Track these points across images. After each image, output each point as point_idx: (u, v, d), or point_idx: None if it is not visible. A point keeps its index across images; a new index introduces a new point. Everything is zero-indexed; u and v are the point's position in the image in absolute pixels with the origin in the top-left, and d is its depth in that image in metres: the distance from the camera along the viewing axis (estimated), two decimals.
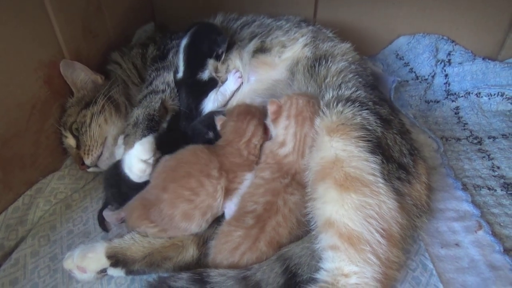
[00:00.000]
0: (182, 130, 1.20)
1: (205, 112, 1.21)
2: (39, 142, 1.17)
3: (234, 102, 1.25)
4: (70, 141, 1.19)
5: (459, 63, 1.59)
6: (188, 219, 0.93)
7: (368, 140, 0.88)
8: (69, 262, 0.92)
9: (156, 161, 1.05)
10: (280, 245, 0.89)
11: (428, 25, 1.64)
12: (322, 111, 0.97)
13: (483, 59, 1.57)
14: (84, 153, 1.16)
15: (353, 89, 1.03)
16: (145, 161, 1.02)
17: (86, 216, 1.16)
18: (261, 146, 1.05)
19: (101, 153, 1.18)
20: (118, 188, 1.05)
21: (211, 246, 0.92)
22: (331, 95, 1.01)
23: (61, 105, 1.23)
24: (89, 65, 1.31)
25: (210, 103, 1.21)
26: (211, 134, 1.14)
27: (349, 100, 0.97)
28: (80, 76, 1.24)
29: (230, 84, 1.23)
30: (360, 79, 1.13)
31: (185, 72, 1.21)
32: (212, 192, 0.94)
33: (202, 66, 1.21)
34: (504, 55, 1.60)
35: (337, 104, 0.95)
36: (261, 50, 1.24)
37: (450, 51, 1.62)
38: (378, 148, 0.89)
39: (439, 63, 1.62)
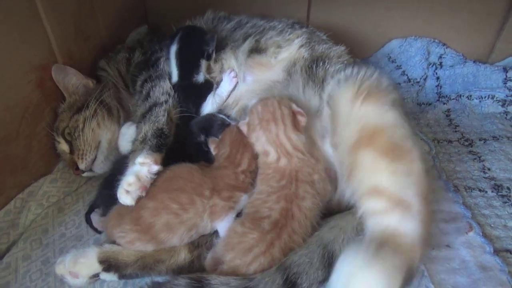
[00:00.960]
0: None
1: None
2: (31, 146, 1.16)
3: (231, 101, 1.25)
4: (63, 146, 1.19)
5: (450, 66, 1.61)
6: (170, 230, 0.91)
7: (396, 103, 0.90)
8: (61, 267, 0.91)
9: None
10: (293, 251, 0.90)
11: (419, 28, 1.65)
12: (338, 83, 0.97)
13: (474, 62, 1.59)
14: (78, 158, 1.15)
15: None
16: (137, 175, 0.94)
17: (79, 220, 1.16)
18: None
19: (95, 157, 1.17)
20: (110, 189, 1.04)
21: (218, 244, 0.92)
22: (342, 73, 1.02)
23: (53, 109, 1.23)
24: (81, 67, 1.31)
25: (209, 106, 1.21)
26: (202, 138, 1.13)
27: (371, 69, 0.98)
28: (71, 80, 1.23)
29: (225, 85, 1.23)
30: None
31: (180, 76, 1.20)
32: (201, 211, 0.94)
33: (196, 68, 1.21)
34: (494, 58, 1.62)
35: (358, 73, 0.96)
36: (257, 50, 1.24)
37: (442, 54, 1.64)
38: (402, 109, 0.91)
39: (430, 66, 1.64)
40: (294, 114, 0.99)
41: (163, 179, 0.96)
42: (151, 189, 0.94)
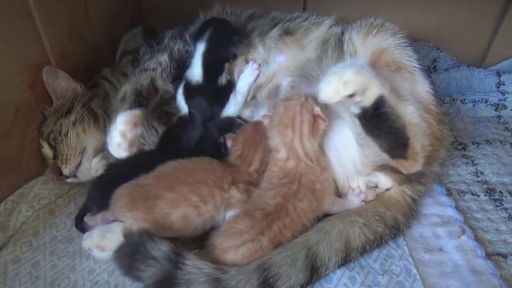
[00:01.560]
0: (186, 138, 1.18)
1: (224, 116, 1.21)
2: (23, 146, 1.15)
3: (263, 80, 1.24)
4: (47, 151, 1.17)
5: (444, 70, 1.62)
6: (187, 222, 0.93)
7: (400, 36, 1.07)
8: (89, 241, 0.93)
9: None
10: (280, 245, 0.91)
11: (414, 32, 1.65)
12: (352, 26, 1.15)
13: (468, 66, 1.60)
14: (62, 163, 1.13)
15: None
16: (122, 133, 1.01)
17: (70, 222, 1.14)
18: None
19: (80, 162, 1.16)
20: (102, 190, 1.03)
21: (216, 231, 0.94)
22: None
23: (46, 107, 1.22)
24: (75, 68, 1.31)
25: (232, 108, 1.21)
26: (222, 140, 1.13)
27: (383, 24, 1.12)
28: (61, 84, 1.22)
29: (246, 78, 1.21)
30: None
31: (205, 79, 1.17)
32: (219, 204, 0.96)
33: (221, 71, 1.19)
34: (488, 62, 1.63)
35: (370, 22, 1.12)
36: (287, 33, 1.25)
37: (436, 58, 1.65)
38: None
39: (425, 69, 1.64)
40: (314, 118, 0.99)
41: (184, 170, 0.97)
42: (171, 179, 0.95)
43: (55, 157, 1.16)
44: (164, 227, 0.91)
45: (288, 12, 1.34)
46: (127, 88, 1.11)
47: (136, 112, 1.05)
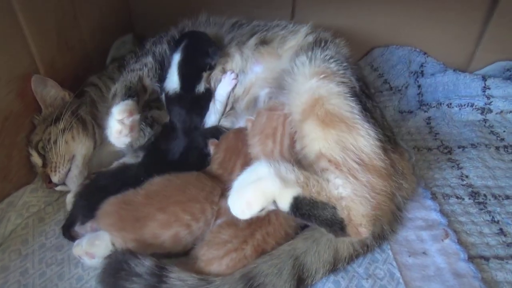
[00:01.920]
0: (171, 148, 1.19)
1: (208, 125, 1.22)
2: (12, 156, 1.16)
3: (241, 91, 1.26)
4: (36, 159, 1.18)
5: (431, 75, 1.64)
6: (178, 241, 0.93)
7: (348, 86, 0.97)
8: (78, 249, 0.95)
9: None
10: (265, 253, 0.91)
11: (401, 37, 1.68)
12: (310, 59, 1.04)
13: (454, 70, 1.62)
14: (51, 171, 1.14)
15: (345, 62, 1.09)
16: (120, 121, 1.05)
17: (59, 229, 1.13)
18: None
19: (69, 169, 1.16)
20: (88, 201, 1.04)
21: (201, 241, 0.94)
22: (320, 51, 1.08)
23: (34, 116, 1.22)
24: (64, 77, 1.31)
25: (212, 116, 1.22)
26: (208, 150, 1.15)
27: (336, 58, 1.04)
28: (50, 92, 1.23)
29: (223, 86, 1.24)
30: (356, 71, 1.17)
31: (182, 88, 1.20)
32: (210, 218, 0.96)
33: (198, 79, 1.21)
34: (474, 67, 1.66)
35: (323, 56, 1.03)
36: (263, 42, 1.28)
37: (423, 63, 1.67)
38: (358, 97, 0.96)
39: (412, 74, 1.67)
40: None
41: (174, 187, 0.97)
42: (161, 198, 0.94)
43: (44, 165, 1.17)
44: (153, 247, 0.92)
45: (271, 20, 1.36)
46: (116, 86, 1.17)
47: (129, 101, 1.10)
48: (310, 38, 1.25)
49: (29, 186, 1.21)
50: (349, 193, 0.86)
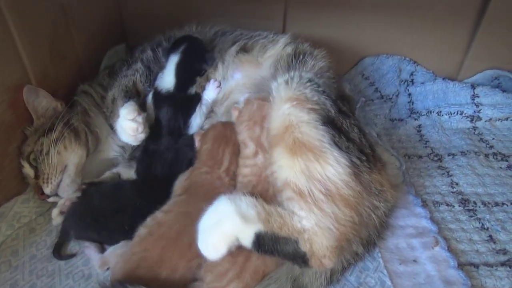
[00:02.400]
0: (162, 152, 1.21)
1: (193, 127, 1.25)
2: (3, 166, 1.16)
3: (220, 96, 1.30)
4: (28, 170, 1.17)
5: (421, 83, 1.66)
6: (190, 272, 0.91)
7: (320, 114, 0.94)
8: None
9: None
10: (266, 275, 0.90)
11: (391, 46, 1.71)
12: (286, 82, 1.01)
13: (444, 79, 1.64)
14: (43, 182, 1.13)
15: (322, 80, 1.10)
16: (133, 120, 1.13)
17: (51, 240, 1.14)
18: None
19: (61, 180, 1.16)
20: (80, 221, 1.03)
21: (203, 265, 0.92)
22: (298, 73, 1.06)
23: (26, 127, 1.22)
24: (57, 88, 1.32)
25: (198, 119, 1.26)
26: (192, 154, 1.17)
27: (312, 81, 1.02)
28: (42, 102, 1.23)
29: (209, 94, 1.28)
30: (334, 85, 1.20)
31: (177, 88, 1.24)
32: None
33: (192, 83, 1.27)
34: (463, 75, 1.68)
35: (300, 80, 1.01)
36: (244, 50, 1.31)
37: (413, 72, 1.69)
38: (332, 124, 0.95)
39: (402, 82, 1.68)
40: None
41: (170, 241, 0.91)
42: (168, 262, 0.89)
43: (36, 176, 1.16)
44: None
45: (254, 30, 1.40)
46: (113, 92, 1.25)
47: (132, 102, 1.18)
48: (289, 49, 1.28)
49: (20, 196, 1.21)
50: (313, 225, 0.85)
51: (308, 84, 1.00)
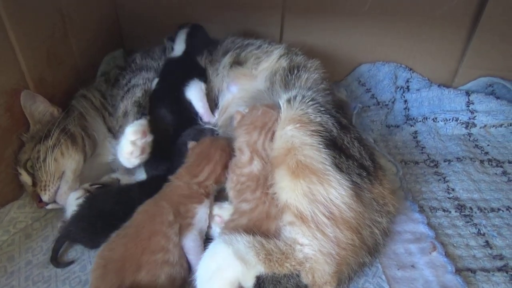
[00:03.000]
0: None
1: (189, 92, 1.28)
2: None
3: (219, 109, 1.31)
4: (25, 178, 1.16)
5: (417, 90, 1.68)
6: (173, 281, 0.89)
7: (323, 136, 0.94)
8: None
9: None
10: None
11: (387, 53, 1.73)
12: (289, 102, 1.02)
13: (439, 86, 1.66)
14: (41, 190, 1.12)
15: (321, 95, 1.11)
16: (133, 142, 1.06)
17: (47, 246, 1.13)
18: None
19: (59, 187, 1.14)
20: (104, 221, 1.01)
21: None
22: (298, 91, 1.07)
23: (22, 133, 1.21)
24: (54, 92, 1.32)
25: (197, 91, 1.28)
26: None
27: (315, 100, 1.03)
28: (39, 108, 1.22)
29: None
30: (329, 96, 1.21)
31: (186, 53, 1.36)
32: (176, 238, 0.92)
33: (200, 53, 1.37)
34: (458, 82, 1.71)
35: (302, 99, 1.02)
36: (238, 63, 1.31)
37: (408, 78, 1.71)
38: (333, 144, 0.95)
39: (398, 89, 1.70)
40: None
41: (132, 240, 0.91)
42: (130, 261, 0.88)
43: (34, 184, 1.14)
44: None
45: (245, 38, 1.41)
46: (125, 104, 1.19)
47: (143, 121, 1.12)
48: (284, 63, 1.29)
49: (16, 201, 1.19)
50: (315, 252, 0.84)
51: (311, 103, 1.01)
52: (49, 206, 1.16)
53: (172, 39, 1.43)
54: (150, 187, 1.08)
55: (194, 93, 1.26)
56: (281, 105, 1.04)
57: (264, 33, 1.71)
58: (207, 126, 1.28)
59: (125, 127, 1.10)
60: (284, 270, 0.84)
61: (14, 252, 1.11)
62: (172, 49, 1.41)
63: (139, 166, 1.14)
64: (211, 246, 0.85)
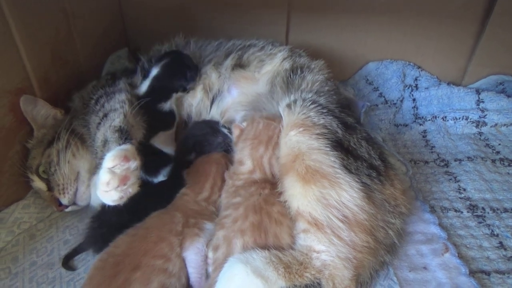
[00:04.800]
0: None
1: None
2: (3, 171, 1.13)
3: (216, 115, 1.28)
4: (39, 184, 1.14)
5: (425, 88, 1.65)
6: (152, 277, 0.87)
7: (328, 138, 0.93)
8: None
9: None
10: None
11: (394, 51, 1.70)
12: (290, 107, 1.00)
13: (448, 84, 1.64)
14: (60, 193, 1.10)
15: (323, 97, 1.08)
16: (110, 170, 0.84)
17: (51, 247, 1.12)
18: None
19: (77, 189, 1.13)
20: (99, 236, 0.99)
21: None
22: (298, 95, 1.05)
23: (27, 132, 1.20)
24: (58, 92, 1.31)
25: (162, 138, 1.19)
26: (193, 156, 1.16)
27: (316, 103, 1.01)
28: (40, 112, 1.19)
29: None
30: (334, 96, 1.18)
31: (145, 94, 1.21)
32: (179, 251, 0.91)
33: (165, 99, 1.22)
34: (467, 81, 1.68)
35: (303, 103, 1.00)
36: (240, 65, 1.28)
37: (417, 77, 1.69)
38: (340, 146, 0.94)
39: (406, 88, 1.68)
40: None
41: (138, 240, 0.91)
42: (130, 258, 0.87)
43: (49, 189, 1.12)
44: None
45: (248, 39, 1.39)
46: (103, 132, 1.00)
47: (125, 146, 0.91)
48: (287, 65, 1.26)
49: (21, 202, 1.18)
50: (334, 258, 0.83)
51: (312, 106, 0.99)
52: (69, 209, 1.15)
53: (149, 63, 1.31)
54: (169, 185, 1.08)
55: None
56: (281, 111, 1.02)
57: (271, 32, 1.69)
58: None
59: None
60: (304, 280, 0.82)
61: (18, 253, 1.10)
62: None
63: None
64: (227, 267, 0.81)
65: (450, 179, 1.31)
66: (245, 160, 1.02)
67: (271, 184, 0.97)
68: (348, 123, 1.02)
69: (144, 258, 0.87)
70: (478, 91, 1.56)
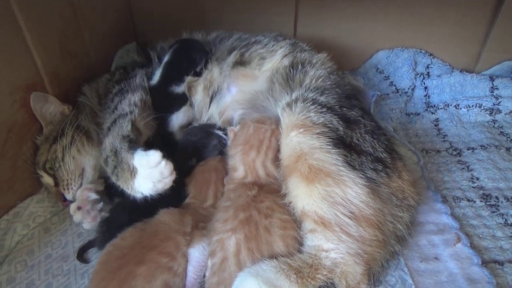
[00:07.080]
0: None
1: (172, 125, 1.24)
2: (16, 166, 1.15)
3: (215, 113, 1.29)
4: (47, 179, 1.16)
5: (437, 76, 1.62)
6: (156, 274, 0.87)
7: (329, 136, 0.92)
8: None
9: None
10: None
11: (405, 39, 1.67)
12: (290, 107, 1.00)
13: (461, 71, 1.60)
14: (64, 189, 1.12)
15: (324, 94, 1.07)
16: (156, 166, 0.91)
17: (65, 240, 1.14)
18: None
19: (81, 184, 1.15)
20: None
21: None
22: (298, 93, 1.05)
23: (38, 129, 1.21)
24: (67, 86, 1.32)
25: (181, 116, 1.26)
26: (194, 161, 1.16)
27: (315, 102, 1.00)
28: (50, 109, 1.21)
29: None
30: (337, 90, 1.15)
31: (158, 83, 1.26)
32: (185, 250, 0.92)
33: (178, 81, 1.26)
34: (481, 67, 1.64)
35: (303, 103, 0.99)
36: (241, 63, 1.27)
37: (429, 64, 1.66)
38: (342, 143, 0.93)
39: (418, 76, 1.65)
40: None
41: (146, 235, 0.91)
42: (136, 251, 0.87)
43: (56, 184, 1.15)
44: None
45: (254, 35, 1.37)
46: (112, 141, 1.02)
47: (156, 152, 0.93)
48: (286, 61, 1.25)
49: (35, 196, 1.20)
50: (344, 255, 0.83)
51: (312, 107, 0.98)
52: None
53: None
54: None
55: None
56: (281, 111, 1.02)
57: (279, 23, 1.68)
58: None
59: (128, 165, 0.94)
60: (317, 282, 0.82)
61: (33, 246, 1.12)
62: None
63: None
64: (238, 283, 0.79)
65: (463, 168, 1.29)
66: (238, 166, 1.02)
67: (258, 186, 0.97)
68: (350, 118, 1.01)
69: (151, 253, 0.87)
70: (491, 78, 1.53)
